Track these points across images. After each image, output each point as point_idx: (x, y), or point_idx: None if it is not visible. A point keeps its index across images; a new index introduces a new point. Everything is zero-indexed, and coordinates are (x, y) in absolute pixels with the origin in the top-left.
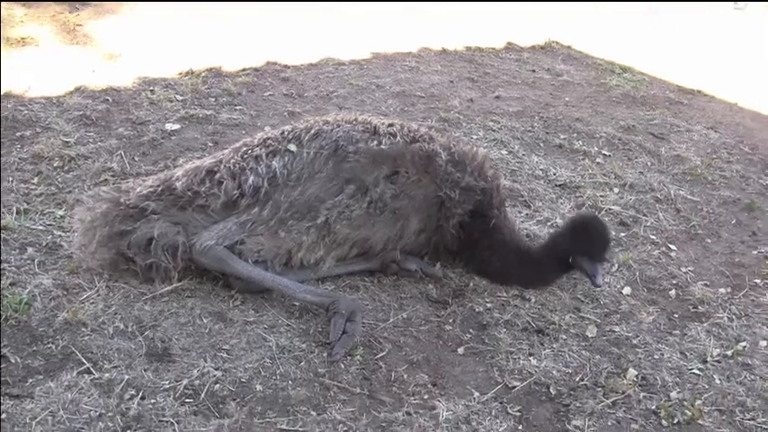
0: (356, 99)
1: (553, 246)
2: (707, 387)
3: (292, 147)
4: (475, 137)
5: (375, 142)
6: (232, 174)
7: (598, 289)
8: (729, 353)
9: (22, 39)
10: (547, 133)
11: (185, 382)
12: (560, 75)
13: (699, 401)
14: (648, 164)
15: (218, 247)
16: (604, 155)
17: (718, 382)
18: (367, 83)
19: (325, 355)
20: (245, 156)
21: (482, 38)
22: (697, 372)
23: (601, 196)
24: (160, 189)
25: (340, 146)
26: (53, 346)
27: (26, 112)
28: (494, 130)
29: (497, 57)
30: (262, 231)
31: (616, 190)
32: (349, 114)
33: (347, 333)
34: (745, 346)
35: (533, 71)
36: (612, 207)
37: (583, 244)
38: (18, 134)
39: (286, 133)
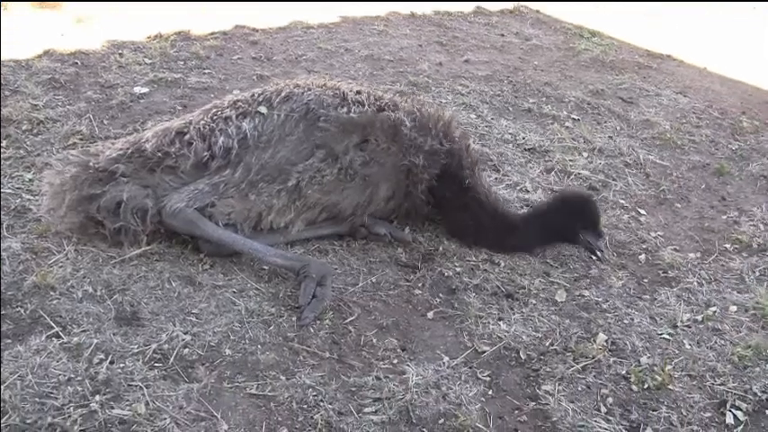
0: (325, 63)
1: (539, 218)
2: (677, 352)
3: (263, 109)
4: (444, 101)
5: (345, 110)
6: (202, 135)
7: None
8: (699, 318)
9: None
10: (516, 97)
11: (154, 346)
12: (529, 39)
13: (669, 366)
14: (617, 128)
15: (188, 210)
16: (573, 119)
17: (688, 347)
18: (335, 46)
19: (294, 319)
20: (215, 117)
21: (451, 2)
22: (667, 337)
23: (570, 160)
24: (129, 151)
25: (311, 109)
26: (21, 310)
27: None
28: (462, 95)
29: (466, 21)
30: (233, 194)
31: (585, 154)
32: (318, 79)
33: (317, 297)
34: (715, 311)
35: (502, 35)
36: (582, 171)
37: (587, 220)
38: None
39: (256, 96)
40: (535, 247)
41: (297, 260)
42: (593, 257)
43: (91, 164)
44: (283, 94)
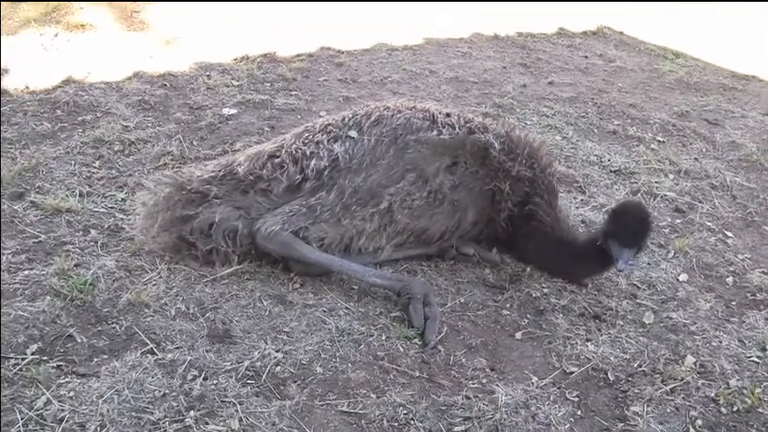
0: (410, 84)
1: (595, 237)
2: (766, 375)
3: (353, 133)
4: (529, 123)
5: (435, 132)
6: (294, 158)
7: (622, 273)
8: None
9: (82, 25)
10: (600, 119)
11: (246, 363)
12: (613, 60)
13: (758, 389)
14: (703, 150)
15: (283, 233)
16: (659, 141)
17: None
18: (420, 68)
19: (383, 338)
20: (307, 141)
21: (534, 24)
22: (756, 359)
23: (656, 182)
24: (222, 174)
25: (399, 134)
26: (117, 327)
27: (87, 97)
28: (547, 116)
29: (549, 42)
30: (326, 218)
31: (671, 176)
32: (407, 101)
33: (429, 317)
34: None
35: (586, 57)
36: (668, 193)
37: (616, 226)
38: (79, 119)
39: (347, 119)
40: (603, 269)
41: (397, 280)
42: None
43: (184, 185)
44: (373, 118)
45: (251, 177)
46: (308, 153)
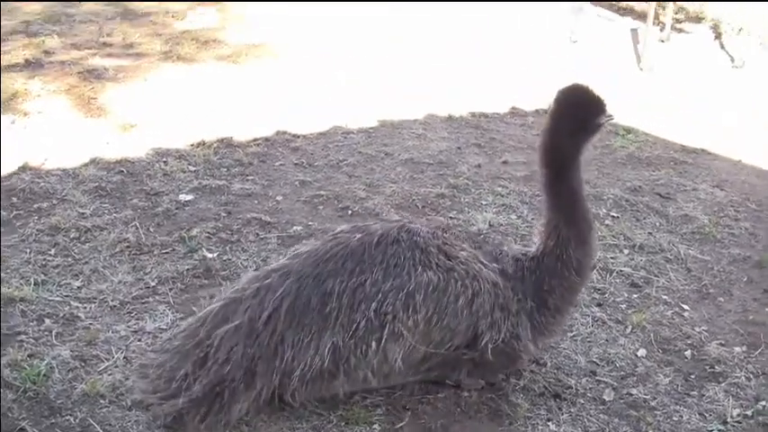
0: (366, 167)
1: None
2: None
3: None
4: (484, 202)
5: None
6: None
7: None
8: (749, 413)
9: (39, 112)
10: None
11: None
12: None
13: None
14: (657, 224)
15: None
16: (613, 216)
17: None
18: (376, 151)
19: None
20: None
21: (487, 103)
22: None
23: (611, 258)
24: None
25: None
26: (71, 419)
27: (43, 184)
28: (502, 195)
29: (502, 122)
30: None
31: (626, 251)
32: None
33: None
34: (765, 406)
35: (538, 135)
36: (623, 269)
37: None
38: (35, 206)
39: None
40: None
41: None
42: None
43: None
44: None
45: None
46: None
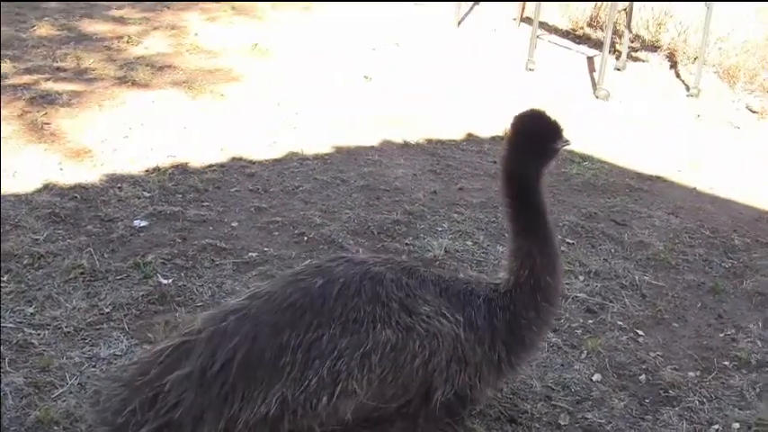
0: (321, 194)
1: None
2: None
3: None
4: (440, 229)
5: None
6: None
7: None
8: None
9: None
10: None
11: None
12: None
13: None
14: (612, 251)
15: None
16: (568, 243)
17: None
18: (331, 177)
19: None
20: None
21: (443, 130)
22: None
23: (567, 284)
24: None
25: None
26: None
27: None
28: (458, 222)
29: (459, 149)
30: None
31: (581, 278)
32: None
33: None
34: (718, 429)
35: (494, 162)
36: (579, 294)
37: None
38: None
39: None
40: None
41: None
42: None
43: None
44: None
45: None
46: None
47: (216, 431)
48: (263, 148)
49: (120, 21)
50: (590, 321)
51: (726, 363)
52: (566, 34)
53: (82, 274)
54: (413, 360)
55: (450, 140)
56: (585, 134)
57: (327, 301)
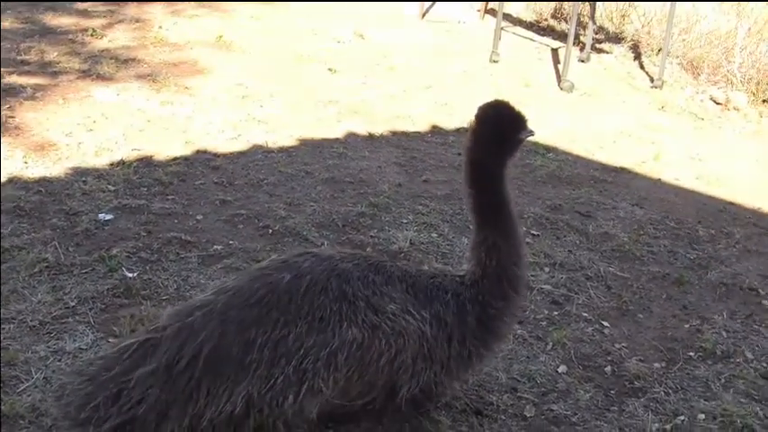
0: (286, 186)
1: None
2: None
3: None
4: (405, 221)
5: None
6: None
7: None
8: (668, 427)
9: None
10: None
11: None
12: None
13: None
14: (577, 242)
15: None
16: (533, 234)
17: None
18: (296, 170)
19: None
20: None
21: (407, 122)
22: None
23: (532, 276)
24: None
25: None
26: None
27: None
28: (423, 214)
29: (423, 141)
30: None
31: (547, 269)
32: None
33: None
34: (683, 420)
35: (459, 154)
36: (544, 286)
37: None
38: None
39: None
40: None
41: None
42: None
43: None
44: None
45: None
46: None
47: (180, 428)
48: (227, 140)
49: (85, 14)
50: (555, 313)
51: (691, 354)
52: (530, 26)
53: (47, 267)
54: (379, 358)
55: (414, 132)
56: (550, 126)
57: (294, 297)
